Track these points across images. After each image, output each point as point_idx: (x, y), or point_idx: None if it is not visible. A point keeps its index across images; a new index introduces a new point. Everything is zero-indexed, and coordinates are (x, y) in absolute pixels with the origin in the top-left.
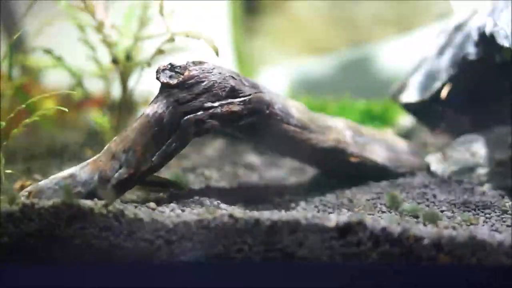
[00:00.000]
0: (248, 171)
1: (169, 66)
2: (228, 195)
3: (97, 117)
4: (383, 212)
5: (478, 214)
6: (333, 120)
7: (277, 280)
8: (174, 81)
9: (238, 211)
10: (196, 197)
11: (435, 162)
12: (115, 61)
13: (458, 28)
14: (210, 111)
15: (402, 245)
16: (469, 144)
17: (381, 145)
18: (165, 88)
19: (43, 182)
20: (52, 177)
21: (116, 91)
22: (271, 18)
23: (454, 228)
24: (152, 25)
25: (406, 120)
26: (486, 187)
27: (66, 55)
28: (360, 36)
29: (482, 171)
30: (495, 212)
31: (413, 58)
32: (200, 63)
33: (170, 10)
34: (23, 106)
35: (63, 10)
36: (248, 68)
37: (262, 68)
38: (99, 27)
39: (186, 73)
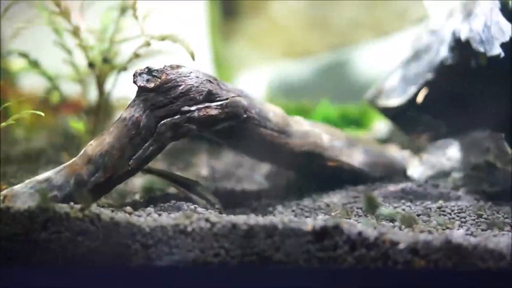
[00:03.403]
0: (225, 175)
1: (146, 69)
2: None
3: (74, 121)
4: (359, 216)
5: (453, 218)
6: (311, 125)
7: (254, 284)
8: (151, 85)
9: (214, 215)
10: (173, 201)
11: (412, 166)
12: (91, 65)
13: (434, 32)
14: (187, 115)
15: (378, 249)
16: (445, 149)
17: (358, 149)
18: (142, 92)
19: (18, 186)
20: (27, 181)
21: (92, 95)
22: (249, 20)
23: (430, 232)
24: (129, 28)
25: (383, 124)
26: (462, 191)
27: (44, 58)
28: (338, 40)
29: (457, 175)
30: (471, 216)
31: (390, 62)
32: (178, 67)
33: (145, 13)
34: None
35: (39, 14)
36: (226, 72)
37: (240, 72)
38: (75, 31)
39: (163, 77)
